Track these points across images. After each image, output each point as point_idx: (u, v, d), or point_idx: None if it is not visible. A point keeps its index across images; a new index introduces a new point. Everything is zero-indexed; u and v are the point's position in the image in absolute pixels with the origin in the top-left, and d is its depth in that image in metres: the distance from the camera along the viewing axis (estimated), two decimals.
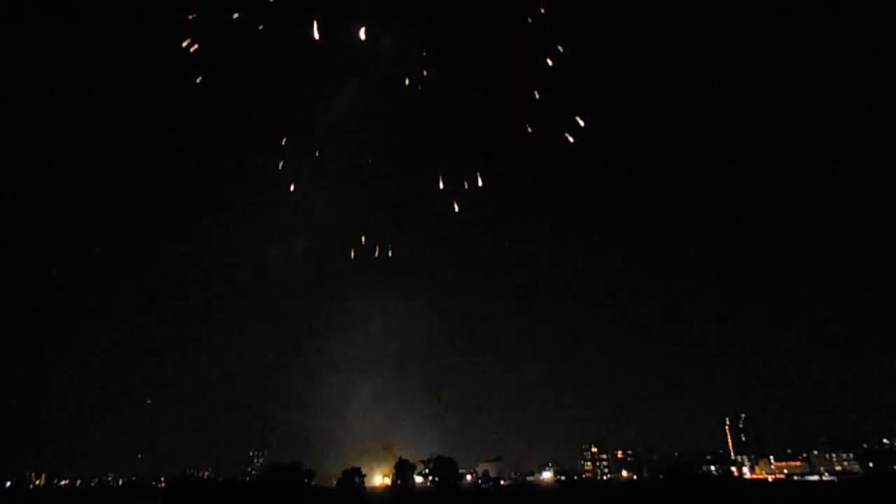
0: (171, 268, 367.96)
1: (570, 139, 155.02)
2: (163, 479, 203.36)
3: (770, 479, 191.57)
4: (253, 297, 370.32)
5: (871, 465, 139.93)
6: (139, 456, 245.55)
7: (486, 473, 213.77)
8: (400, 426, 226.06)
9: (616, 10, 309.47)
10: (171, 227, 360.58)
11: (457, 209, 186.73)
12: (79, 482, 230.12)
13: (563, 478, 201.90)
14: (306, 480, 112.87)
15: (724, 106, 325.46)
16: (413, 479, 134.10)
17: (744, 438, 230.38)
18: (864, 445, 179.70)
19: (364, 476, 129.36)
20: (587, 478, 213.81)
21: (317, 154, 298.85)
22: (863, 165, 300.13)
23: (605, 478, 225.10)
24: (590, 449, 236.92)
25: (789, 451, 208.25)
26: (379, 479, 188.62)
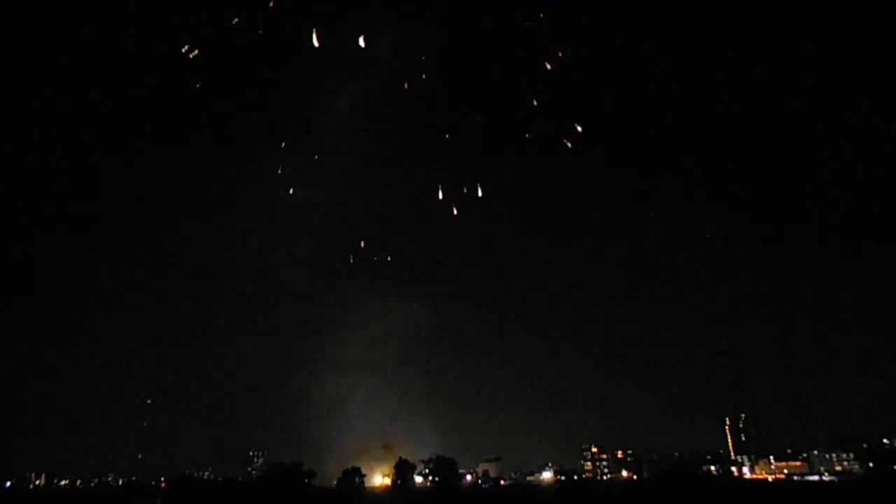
0: (172, 269, 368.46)
1: (569, 144, 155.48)
2: (163, 479, 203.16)
3: (770, 479, 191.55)
4: (253, 297, 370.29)
5: (871, 465, 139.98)
6: (139, 456, 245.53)
7: (486, 473, 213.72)
8: (400, 426, 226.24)
9: (615, 11, 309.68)
10: (172, 228, 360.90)
11: (455, 212, 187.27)
12: (79, 482, 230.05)
13: (563, 478, 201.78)
14: (306, 480, 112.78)
15: (724, 106, 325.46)
16: (413, 479, 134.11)
17: (744, 438, 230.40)
18: (864, 445, 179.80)
19: (364, 476, 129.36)
20: (587, 478, 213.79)
21: (316, 157, 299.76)
22: (863, 165, 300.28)
23: (605, 478, 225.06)
24: (590, 449, 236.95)
25: (789, 451, 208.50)
26: (379, 479, 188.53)
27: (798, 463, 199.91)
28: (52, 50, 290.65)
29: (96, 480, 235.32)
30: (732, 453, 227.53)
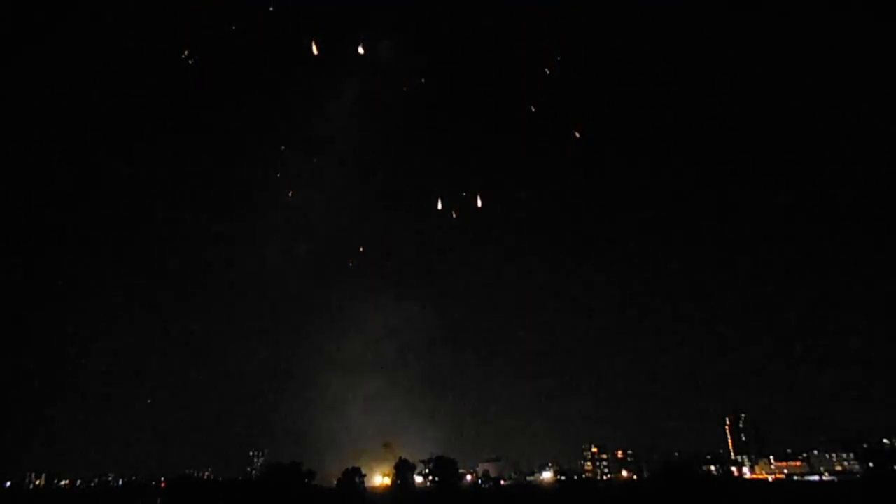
0: (172, 269, 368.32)
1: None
2: (163, 479, 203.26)
3: (770, 479, 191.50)
4: (253, 297, 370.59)
5: (871, 465, 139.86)
6: (139, 456, 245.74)
7: (486, 473, 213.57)
8: (400, 426, 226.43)
9: (615, 12, 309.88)
10: (172, 229, 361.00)
11: (455, 215, 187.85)
12: (79, 482, 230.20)
13: (563, 478, 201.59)
14: (306, 480, 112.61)
15: (724, 106, 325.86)
16: (413, 479, 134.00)
17: (744, 438, 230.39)
18: (864, 445, 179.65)
19: (364, 476, 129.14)
20: (587, 478, 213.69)
21: (315, 160, 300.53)
22: (863, 165, 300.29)
23: (605, 478, 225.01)
24: (590, 449, 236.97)
25: (789, 451, 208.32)
26: (379, 479, 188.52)
27: (798, 463, 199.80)
28: (52, 50, 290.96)
29: (96, 480, 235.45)
30: (732, 453, 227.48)
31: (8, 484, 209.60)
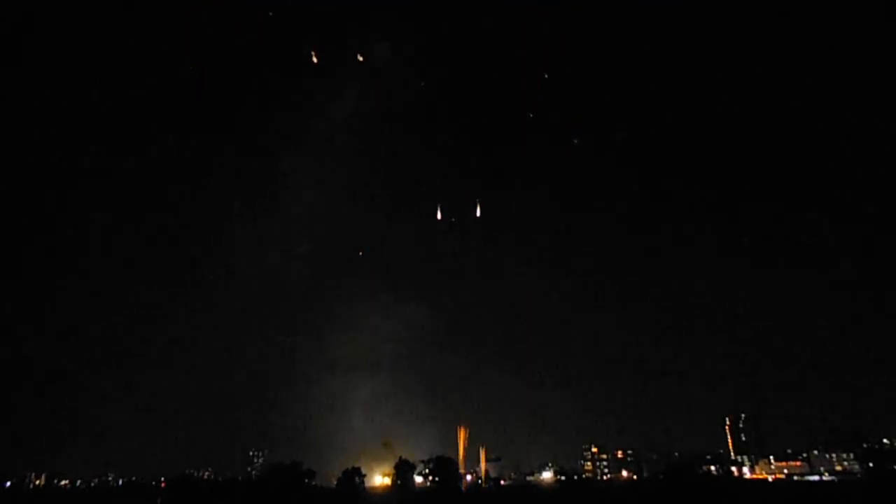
0: (172, 270, 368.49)
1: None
2: (163, 479, 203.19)
3: (770, 479, 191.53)
4: (254, 298, 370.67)
5: (871, 465, 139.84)
6: (139, 456, 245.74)
7: (486, 473, 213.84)
8: (400, 426, 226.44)
9: (614, 13, 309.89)
10: (173, 230, 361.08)
11: (454, 219, 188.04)
12: (79, 482, 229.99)
13: (563, 478, 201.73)
14: (306, 480, 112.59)
15: (724, 106, 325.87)
16: (413, 479, 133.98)
17: (744, 438, 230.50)
18: (864, 445, 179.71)
19: (364, 476, 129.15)
20: (587, 478, 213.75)
21: (314, 162, 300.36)
22: (863, 165, 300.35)
23: (605, 478, 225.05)
24: (590, 449, 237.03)
25: (789, 451, 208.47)
26: (379, 479, 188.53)
27: (798, 463, 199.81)
28: (52, 50, 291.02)
29: (96, 480, 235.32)
30: (732, 453, 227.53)
31: (8, 484, 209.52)
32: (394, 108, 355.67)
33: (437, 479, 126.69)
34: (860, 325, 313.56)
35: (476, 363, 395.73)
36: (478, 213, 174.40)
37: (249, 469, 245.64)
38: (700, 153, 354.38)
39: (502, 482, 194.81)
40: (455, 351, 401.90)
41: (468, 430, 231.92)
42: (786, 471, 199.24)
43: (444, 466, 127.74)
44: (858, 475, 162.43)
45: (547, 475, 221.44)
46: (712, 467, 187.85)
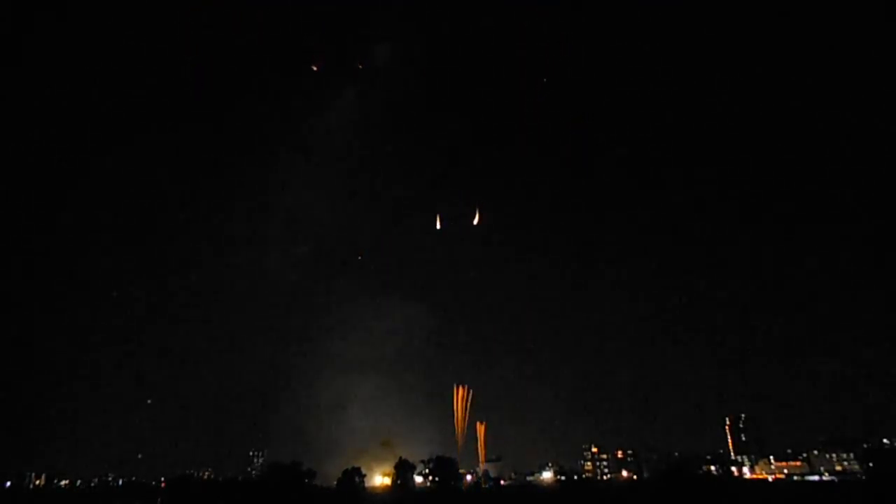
0: (172, 270, 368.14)
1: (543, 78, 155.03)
2: (163, 479, 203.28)
3: (770, 479, 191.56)
4: (254, 298, 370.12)
5: (871, 465, 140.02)
6: (139, 456, 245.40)
7: (486, 473, 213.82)
8: (400, 426, 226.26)
9: (614, 14, 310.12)
10: (172, 230, 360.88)
11: (452, 225, 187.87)
12: (79, 482, 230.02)
13: (563, 478, 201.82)
14: (306, 480, 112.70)
15: (724, 106, 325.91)
16: (413, 479, 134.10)
17: (744, 438, 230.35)
18: (865, 445, 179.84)
19: (364, 476, 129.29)
20: (587, 478, 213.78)
21: (314, 163, 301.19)
22: (863, 165, 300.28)
23: (605, 478, 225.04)
24: (590, 449, 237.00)
25: (789, 451, 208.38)
26: (379, 479, 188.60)
27: (798, 463, 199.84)
28: (52, 50, 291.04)
29: (96, 480, 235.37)
30: (732, 453, 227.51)
31: (8, 484, 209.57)
32: (394, 110, 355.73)
33: (437, 479, 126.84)
34: (860, 324, 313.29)
35: (476, 363, 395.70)
36: (476, 219, 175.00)
37: (249, 469, 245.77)
38: (701, 153, 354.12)
39: (502, 482, 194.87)
40: (455, 351, 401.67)
41: (468, 392, 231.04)
42: (786, 471, 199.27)
43: (444, 466, 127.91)
44: (858, 475, 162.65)
45: (547, 475, 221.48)
46: (712, 467, 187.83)
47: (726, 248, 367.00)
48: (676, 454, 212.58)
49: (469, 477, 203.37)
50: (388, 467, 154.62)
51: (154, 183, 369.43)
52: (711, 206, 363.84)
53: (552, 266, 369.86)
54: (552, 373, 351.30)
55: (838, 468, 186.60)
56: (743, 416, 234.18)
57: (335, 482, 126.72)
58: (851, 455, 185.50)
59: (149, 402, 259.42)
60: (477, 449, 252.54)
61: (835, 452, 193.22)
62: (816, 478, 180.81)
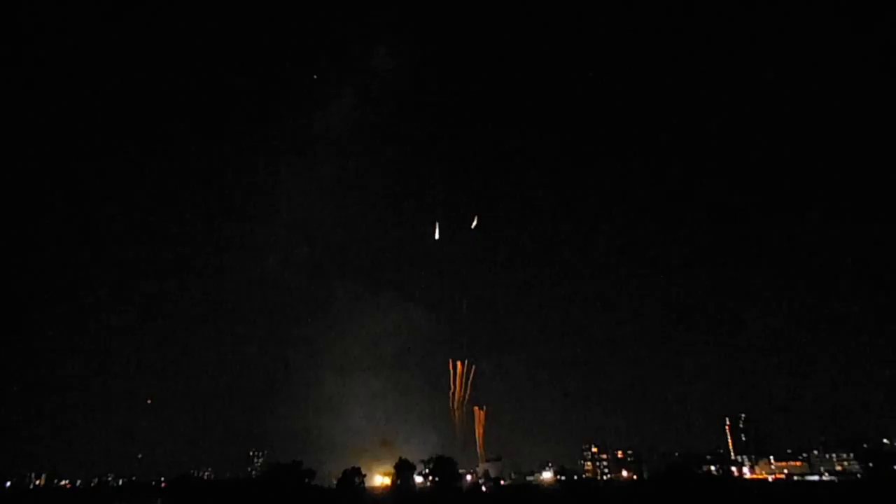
0: (172, 270, 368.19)
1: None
2: (163, 479, 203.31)
3: (770, 479, 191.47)
4: (253, 298, 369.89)
5: (871, 465, 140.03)
6: (139, 456, 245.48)
7: (486, 473, 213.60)
8: (400, 426, 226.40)
9: (614, 14, 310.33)
10: (172, 231, 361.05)
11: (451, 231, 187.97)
12: (79, 482, 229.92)
13: (563, 478, 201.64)
14: (306, 480, 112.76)
15: (724, 106, 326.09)
16: (413, 479, 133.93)
17: (744, 438, 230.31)
18: (864, 445, 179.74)
19: (364, 476, 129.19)
20: (587, 478, 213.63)
21: (314, 164, 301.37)
22: (863, 165, 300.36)
23: (605, 478, 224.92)
24: (590, 449, 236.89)
25: (789, 451, 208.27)
26: (379, 479, 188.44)
27: (798, 463, 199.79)
28: (52, 50, 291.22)
29: (96, 480, 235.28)
30: (732, 453, 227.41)
31: (8, 484, 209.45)
32: (392, 112, 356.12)
33: (437, 479, 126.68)
34: (861, 324, 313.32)
35: (476, 363, 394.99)
36: (473, 223, 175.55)
37: (249, 469, 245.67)
38: (699, 156, 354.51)
39: (502, 482, 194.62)
40: (455, 351, 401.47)
41: (466, 366, 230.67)
42: (786, 471, 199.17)
43: (444, 466, 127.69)
44: (858, 475, 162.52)
45: (547, 475, 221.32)
46: (712, 467, 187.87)
47: (725, 248, 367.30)
48: (676, 454, 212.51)
49: (469, 477, 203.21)
50: (388, 467, 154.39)
51: (154, 184, 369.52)
52: (712, 208, 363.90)
53: (552, 267, 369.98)
54: (552, 373, 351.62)
55: (838, 468, 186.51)
56: (743, 416, 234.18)
57: (335, 482, 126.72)
58: (851, 455, 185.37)
59: (149, 402, 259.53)
60: (476, 450, 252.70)
61: (835, 452, 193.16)
62: (816, 478, 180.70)
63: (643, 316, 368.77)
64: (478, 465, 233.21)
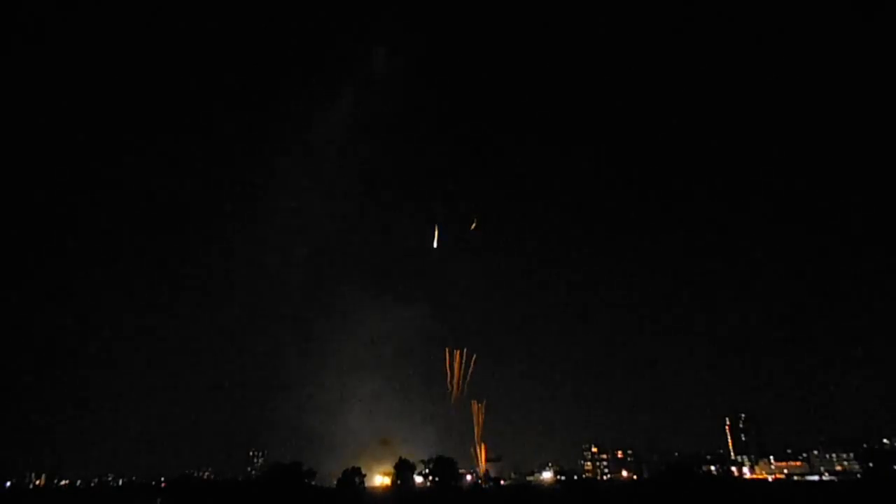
0: (172, 270, 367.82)
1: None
2: (163, 479, 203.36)
3: (770, 479, 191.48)
4: (252, 298, 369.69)
5: (871, 465, 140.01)
6: (139, 456, 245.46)
7: (486, 473, 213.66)
8: (400, 426, 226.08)
9: (614, 15, 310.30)
10: (172, 231, 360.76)
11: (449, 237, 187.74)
12: (79, 482, 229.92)
13: (563, 478, 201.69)
14: (306, 480, 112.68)
15: (724, 107, 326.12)
16: (413, 479, 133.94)
17: (744, 438, 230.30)
18: (864, 445, 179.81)
19: (364, 476, 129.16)
20: (587, 478, 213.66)
21: (313, 164, 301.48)
22: (863, 165, 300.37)
23: (605, 478, 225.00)
24: (590, 449, 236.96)
25: (789, 451, 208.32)
26: (379, 479, 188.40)
27: (798, 463, 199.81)
28: (51, 50, 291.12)
29: (96, 480, 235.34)
30: (732, 453, 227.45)
31: (8, 484, 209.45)
32: (393, 113, 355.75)
33: (437, 479, 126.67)
34: (861, 324, 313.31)
35: (476, 362, 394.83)
36: (474, 226, 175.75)
37: (249, 469, 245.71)
38: (699, 156, 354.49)
39: (502, 482, 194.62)
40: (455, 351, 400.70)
41: (465, 355, 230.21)
42: (786, 471, 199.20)
43: (444, 466, 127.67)
44: (858, 475, 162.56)
45: (547, 475, 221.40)
46: (712, 467, 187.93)
47: (726, 248, 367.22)
48: (676, 454, 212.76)
49: (469, 477, 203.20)
50: (388, 467, 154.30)
51: (153, 184, 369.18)
52: (709, 208, 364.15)
53: (552, 267, 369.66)
54: (552, 373, 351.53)
55: (838, 468, 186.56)
56: (743, 416, 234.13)
57: (335, 482, 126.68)
58: (851, 455, 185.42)
59: (149, 402, 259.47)
60: (475, 443, 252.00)
61: (835, 452, 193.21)
62: (816, 478, 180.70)
63: (643, 316, 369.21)
64: (478, 466, 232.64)
